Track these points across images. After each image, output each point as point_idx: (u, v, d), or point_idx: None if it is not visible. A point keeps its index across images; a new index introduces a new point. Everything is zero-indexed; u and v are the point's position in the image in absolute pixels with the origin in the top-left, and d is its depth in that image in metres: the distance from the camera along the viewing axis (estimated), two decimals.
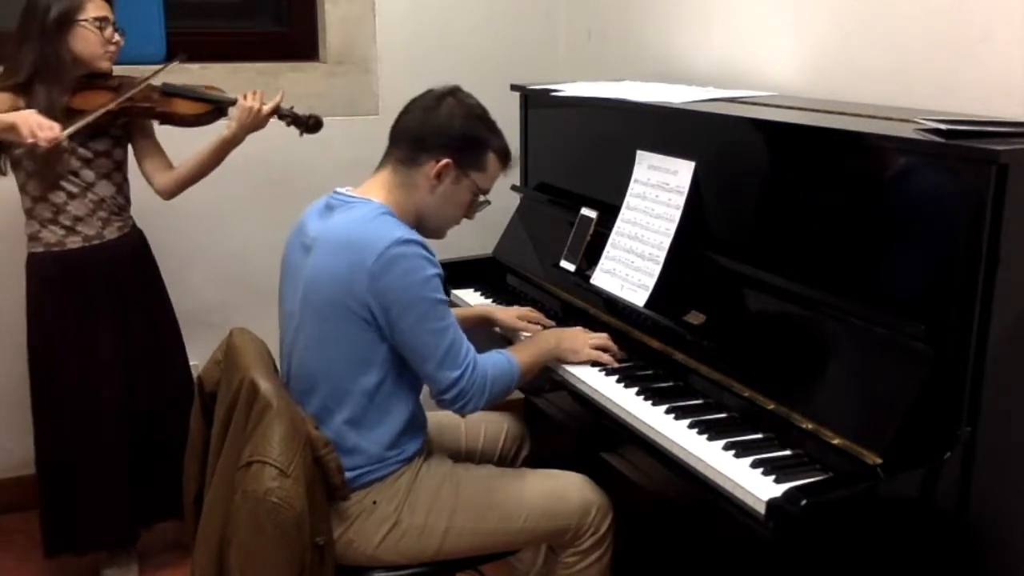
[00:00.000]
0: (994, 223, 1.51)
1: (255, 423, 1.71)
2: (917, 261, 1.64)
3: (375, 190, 1.90)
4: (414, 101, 1.93)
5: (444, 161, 1.87)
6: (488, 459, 2.18)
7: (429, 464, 1.95)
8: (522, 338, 2.22)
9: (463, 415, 1.93)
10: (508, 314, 2.31)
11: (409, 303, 1.78)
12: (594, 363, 2.07)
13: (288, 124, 2.57)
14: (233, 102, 2.51)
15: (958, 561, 1.62)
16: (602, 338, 2.10)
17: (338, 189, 1.92)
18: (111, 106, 2.37)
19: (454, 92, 1.92)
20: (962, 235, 1.55)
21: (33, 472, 2.98)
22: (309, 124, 2.59)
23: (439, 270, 1.82)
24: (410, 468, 1.91)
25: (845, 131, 1.82)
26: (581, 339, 2.09)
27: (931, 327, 1.57)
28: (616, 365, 2.06)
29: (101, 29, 2.40)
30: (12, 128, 2.21)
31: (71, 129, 2.28)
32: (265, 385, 1.74)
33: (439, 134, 1.87)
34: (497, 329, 2.33)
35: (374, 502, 1.86)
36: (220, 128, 2.51)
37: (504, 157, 1.96)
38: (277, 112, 2.52)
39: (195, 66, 2.86)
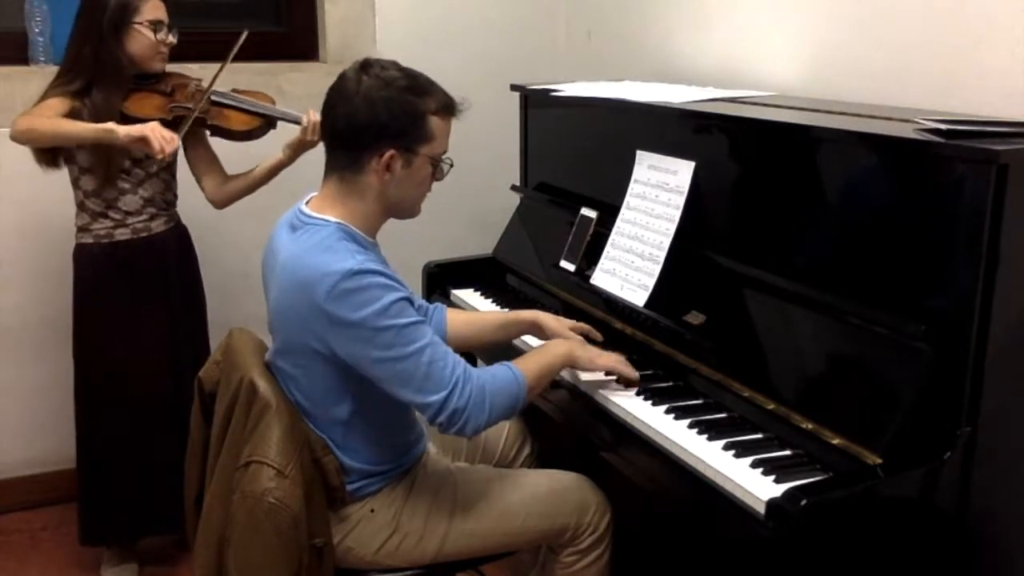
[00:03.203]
0: (994, 223, 1.50)
1: (254, 423, 1.71)
2: (917, 261, 1.64)
3: (329, 206, 1.78)
4: (331, 95, 1.79)
5: (387, 153, 1.73)
6: (489, 459, 2.18)
7: (427, 468, 1.95)
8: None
9: (468, 437, 1.80)
10: (561, 325, 2.09)
11: (370, 335, 1.67)
12: (609, 373, 1.97)
13: None
14: (283, 116, 2.55)
15: (958, 561, 1.62)
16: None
17: (302, 207, 1.82)
18: (195, 114, 2.45)
19: (366, 69, 1.76)
20: (962, 235, 1.55)
21: (32, 473, 2.99)
22: None
23: (401, 293, 1.70)
24: (407, 476, 1.91)
25: (845, 131, 1.82)
26: (596, 348, 1.99)
27: (931, 327, 1.57)
28: (635, 377, 1.95)
29: (155, 31, 2.43)
30: (143, 140, 2.30)
31: (182, 131, 2.39)
32: (264, 385, 1.74)
33: (370, 128, 1.72)
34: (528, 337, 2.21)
35: (372, 510, 1.85)
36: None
37: (447, 110, 1.79)
38: None
39: (194, 66, 2.85)
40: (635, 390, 1.95)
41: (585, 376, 2.00)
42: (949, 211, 1.58)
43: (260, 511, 1.65)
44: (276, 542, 1.66)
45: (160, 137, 2.29)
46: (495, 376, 1.78)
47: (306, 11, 3.29)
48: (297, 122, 2.53)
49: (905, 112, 1.93)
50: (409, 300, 1.73)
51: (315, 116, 2.46)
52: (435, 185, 1.87)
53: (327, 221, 1.77)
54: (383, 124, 1.72)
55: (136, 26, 2.41)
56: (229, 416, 1.78)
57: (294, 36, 3.31)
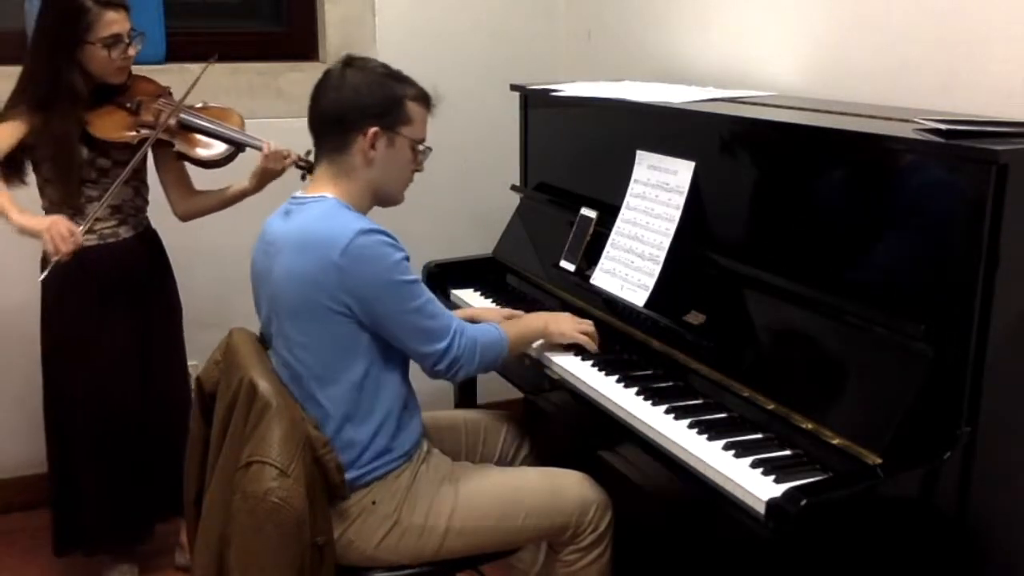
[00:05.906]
0: (994, 223, 1.51)
1: (254, 423, 1.72)
2: (917, 261, 1.64)
3: (323, 186, 1.90)
4: (317, 88, 1.92)
5: (371, 130, 1.86)
6: (488, 459, 2.18)
7: (428, 464, 1.96)
8: None
9: (455, 381, 2.05)
10: (493, 315, 2.27)
11: (384, 291, 1.81)
12: (578, 351, 2.14)
13: (304, 175, 2.53)
14: (251, 143, 2.51)
15: (958, 561, 1.62)
16: (589, 325, 2.16)
17: (295, 194, 1.93)
18: (132, 164, 2.38)
19: (349, 63, 1.92)
20: (962, 235, 1.55)
21: (36, 472, 2.97)
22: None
23: (404, 252, 1.84)
24: (409, 467, 1.91)
25: (845, 131, 1.82)
26: (569, 323, 2.15)
27: (931, 327, 1.57)
28: (599, 354, 2.12)
29: (110, 49, 2.35)
30: (37, 235, 2.23)
31: (85, 226, 2.30)
32: (264, 385, 1.74)
33: (355, 108, 1.87)
34: None
35: (373, 502, 1.86)
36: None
37: (424, 100, 1.94)
38: (295, 163, 2.53)
39: (195, 66, 2.85)
40: (635, 389, 1.95)
41: (547, 351, 2.17)
42: (949, 211, 1.58)
43: (262, 511, 1.66)
44: (279, 542, 1.66)
45: (57, 236, 2.18)
46: (485, 332, 1.98)
47: (306, 11, 3.29)
48: (258, 148, 2.50)
49: (905, 112, 1.93)
50: (408, 260, 1.85)
51: (274, 146, 2.47)
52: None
53: (324, 197, 1.88)
54: (367, 105, 1.87)
55: (89, 46, 2.33)
56: (229, 416, 1.78)
57: (294, 36, 3.31)
